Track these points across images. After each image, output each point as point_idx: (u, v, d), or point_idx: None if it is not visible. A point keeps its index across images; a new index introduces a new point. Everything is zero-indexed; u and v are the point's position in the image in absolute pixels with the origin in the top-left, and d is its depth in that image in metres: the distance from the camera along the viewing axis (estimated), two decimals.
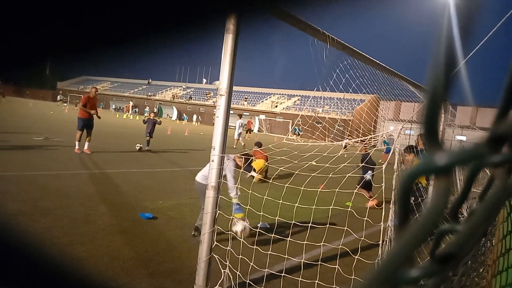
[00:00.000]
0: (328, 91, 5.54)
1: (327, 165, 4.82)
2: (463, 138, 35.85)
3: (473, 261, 1.53)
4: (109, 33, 0.26)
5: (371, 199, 7.17)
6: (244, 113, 60.14)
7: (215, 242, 3.67)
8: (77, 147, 11.42)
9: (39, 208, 5.41)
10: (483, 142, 0.28)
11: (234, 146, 20.27)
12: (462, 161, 0.26)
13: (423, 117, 0.26)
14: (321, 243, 4.10)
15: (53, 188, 6.63)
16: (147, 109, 59.25)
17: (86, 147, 11.43)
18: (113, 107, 72.45)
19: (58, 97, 69.56)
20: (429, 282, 0.33)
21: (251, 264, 3.82)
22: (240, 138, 21.35)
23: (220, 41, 3.39)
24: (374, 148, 7.04)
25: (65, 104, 58.75)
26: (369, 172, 8.07)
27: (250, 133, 34.90)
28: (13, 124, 17.15)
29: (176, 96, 74.52)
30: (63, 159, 9.86)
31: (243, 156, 5.61)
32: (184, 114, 62.13)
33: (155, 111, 16.17)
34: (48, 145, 11.96)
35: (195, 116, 59.75)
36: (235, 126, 21.74)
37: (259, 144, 12.77)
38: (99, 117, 11.98)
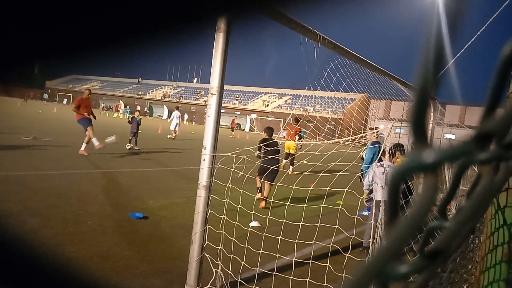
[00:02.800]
0: (319, 90, 5.57)
1: (318, 163, 4.84)
2: (452, 136, 36.32)
3: (461, 258, 1.55)
4: (99, 32, 0.26)
5: None
6: (235, 112, 60.14)
7: (206, 242, 3.67)
8: (96, 143, 11.20)
9: (28, 209, 5.34)
10: (471, 140, 0.29)
11: (173, 136, 21.82)
12: (450, 158, 0.27)
13: (411, 115, 0.26)
14: (312, 242, 4.11)
15: (42, 188, 6.56)
16: (139, 108, 58.28)
17: (82, 148, 11.24)
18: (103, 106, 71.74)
19: (45, 96, 68.48)
20: (418, 278, 0.33)
21: (243, 263, 3.82)
22: (177, 129, 22.23)
23: (211, 40, 3.38)
24: (365, 147, 7.08)
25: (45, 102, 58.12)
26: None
27: (233, 131, 35.50)
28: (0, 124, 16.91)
29: (167, 95, 74.16)
30: (52, 159, 9.75)
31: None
32: (125, 106, 57.53)
33: (138, 109, 16.15)
34: (36, 145, 11.81)
35: (186, 115, 59.27)
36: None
37: (297, 120, 13.44)
38: (95, 118, 11.80)
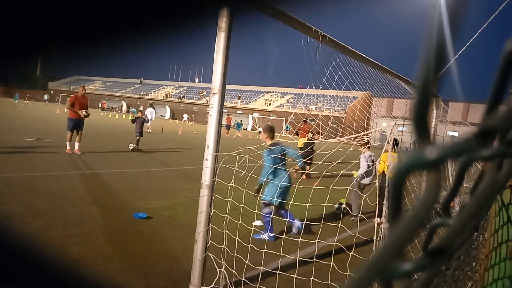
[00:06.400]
0: (321, 89, 5.55)
1: (321, 162, 4.84)
2: (455, 133, 36.22)
3: (466, 255, 1.55)
4: (102, 32, 0.26)
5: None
6: (237, 111, 60.12)
7: (210, 241, 3.67)
8: (68, 147, 11.33)
9: (33, 210, 5.36)
10: (473, 136, 0.29)
11: (150, 131, 23.87)
12: (453, 155, 0.27)
13: (413, 112, 0.26)
14: (316, 240, 4.11)
15: (46, 189, 6.58)
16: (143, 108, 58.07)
17: (76, 147, 11.35)
18: (106, 107, 71.85)
19: (45, 97, 68.82)
20: (422, 276, 0.33)
21: (247, 262, 3.82)
22: (149, 124, 23.72)
23: (212, 39, 3.38)
24: (368, 145, 7.06)
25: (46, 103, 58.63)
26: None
27: (228, 129, 35.64)
28: (3, 125, 16.98)
29: (169, 95, 74.24)
30: (55, 160, 9.78)
31: None
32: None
33: (141, 109, 17.00)
34: (40, 146, 11.85)
35: (185, 115, 59.07)
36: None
37: (305, 121, 14.36)
38: (87, 115, 11.73)
